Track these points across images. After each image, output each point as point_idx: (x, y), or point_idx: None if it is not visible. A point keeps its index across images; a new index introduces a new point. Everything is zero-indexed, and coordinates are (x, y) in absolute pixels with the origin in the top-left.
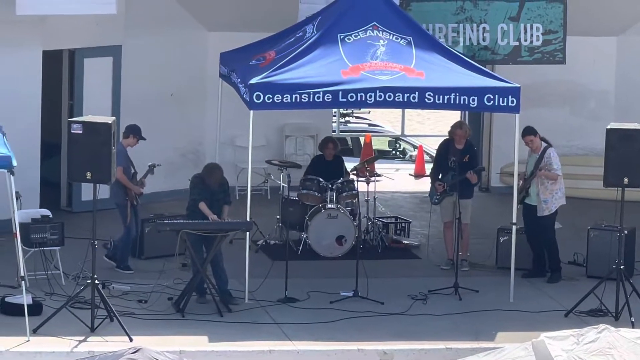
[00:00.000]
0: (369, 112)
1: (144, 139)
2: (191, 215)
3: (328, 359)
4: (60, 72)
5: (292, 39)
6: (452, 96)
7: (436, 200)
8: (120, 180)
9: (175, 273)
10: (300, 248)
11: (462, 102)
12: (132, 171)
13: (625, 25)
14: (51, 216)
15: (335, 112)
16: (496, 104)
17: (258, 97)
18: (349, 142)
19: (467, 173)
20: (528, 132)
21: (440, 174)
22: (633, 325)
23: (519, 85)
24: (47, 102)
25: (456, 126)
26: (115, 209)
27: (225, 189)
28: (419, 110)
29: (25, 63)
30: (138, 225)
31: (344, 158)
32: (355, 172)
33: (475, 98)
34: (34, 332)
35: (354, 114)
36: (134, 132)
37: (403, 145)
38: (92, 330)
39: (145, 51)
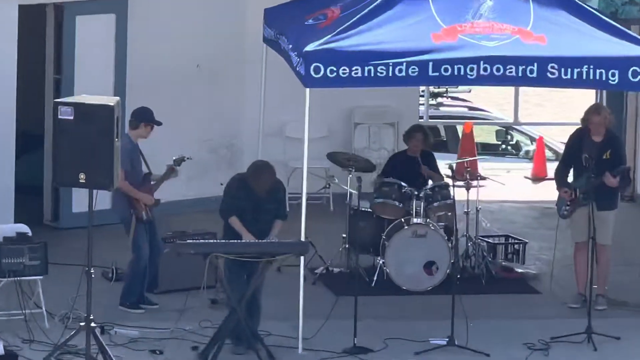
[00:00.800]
0: (469, 92)
1: (160, 124)
2: (227, 233)
3: None
4: (43, 36)
5: None
6: (585, 69)
7: (565, 213)
8: (121, 188)
9: (201, 313)
10: (375, 278)
11: (598, 78)
12: (144, 172)
13: None
14: (30, 234)
15: (423, 91)
16: None
17: (317, 69)
18: (442, 133)
19: (604, 176)
20: None
21: (571, 177)
22: None
23: None
24: (26, 77)
25: (592, 111)
26: (120, 224)
27: (279, 197)
28: (539, 89)
29: None
30: (157, 247)
31: (436, 155)
32: (451, 173)
33: (616, 72)
34: None
35: (449, 94)
36: (143, 117)
37: (516, 137)
38: None
39: (161, 7)
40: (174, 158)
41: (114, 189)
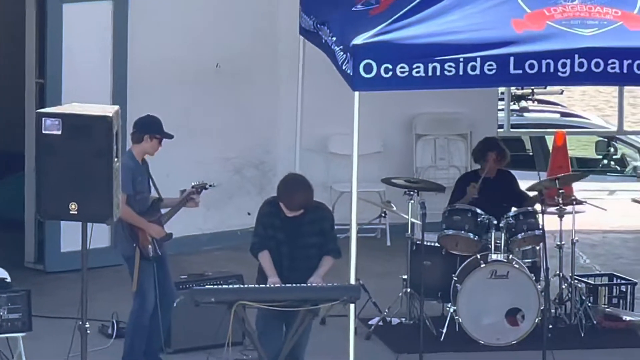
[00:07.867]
0: (561, 93)
1: (170, 137)
2: (262, 275)
3: None
4: (22, 28)
5: None
6: None
7: None
8: (122, 217)
9: None
10: (444, 331)
11: None
12: (153, 198)
13: None
14: (8, 279)
15: (503, 94)
16: None
17: (368, 68)
18: (527, 145)
19: None
20: None
21: None
22: None
23: None
24: (0, 82)
25: None
26: (123, 266)
27: (325, 227)
28: None
29: None
30: (170, 294)
31: (518, 173)
32: (539, 197)
33: None
34: None
35: (536, 97)
36: (147, 129)
37: (622, 149)
38: None
39: None
40: (192, 184)
41: (116, 220)
